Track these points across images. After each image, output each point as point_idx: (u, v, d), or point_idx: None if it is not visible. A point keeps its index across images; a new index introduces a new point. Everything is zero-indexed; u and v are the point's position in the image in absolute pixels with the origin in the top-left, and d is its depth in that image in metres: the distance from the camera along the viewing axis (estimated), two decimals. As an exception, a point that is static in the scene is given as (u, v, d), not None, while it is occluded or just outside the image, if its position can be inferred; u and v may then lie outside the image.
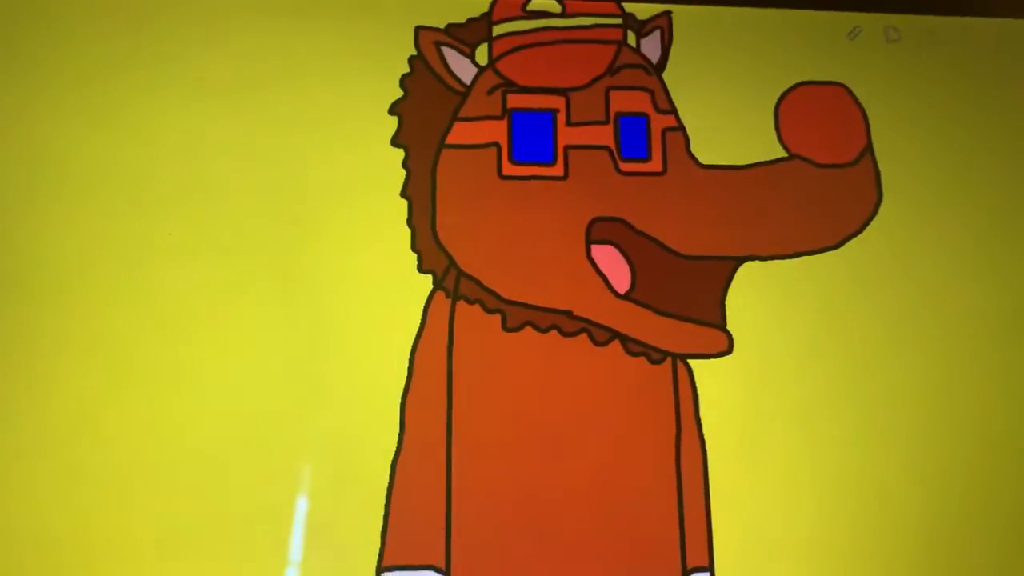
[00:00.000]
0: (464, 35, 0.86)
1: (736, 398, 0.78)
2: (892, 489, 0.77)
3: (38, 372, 0.74)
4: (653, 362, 0.79)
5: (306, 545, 0.72)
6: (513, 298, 0.79)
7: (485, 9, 0.87)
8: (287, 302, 0.78)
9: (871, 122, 0.88)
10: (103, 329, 0.75)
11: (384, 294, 0.79)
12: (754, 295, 0.81)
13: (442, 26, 0.86)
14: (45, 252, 0.77)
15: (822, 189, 0.85)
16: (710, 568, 0.74)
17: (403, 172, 0.82)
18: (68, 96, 0.81)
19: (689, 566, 0.74)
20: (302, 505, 0.73)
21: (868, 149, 0.86)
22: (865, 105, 0.88)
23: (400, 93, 0.84)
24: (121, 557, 0.70)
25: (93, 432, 0.73)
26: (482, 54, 0.86)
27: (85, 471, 0.72)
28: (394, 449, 0.75)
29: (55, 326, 0.75)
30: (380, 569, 0.72)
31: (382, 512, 0.73)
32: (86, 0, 0.84)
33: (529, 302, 0.79)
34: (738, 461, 0.77)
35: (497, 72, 0.85)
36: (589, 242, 0.81)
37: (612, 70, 0.86)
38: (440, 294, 0.79)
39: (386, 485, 0.74)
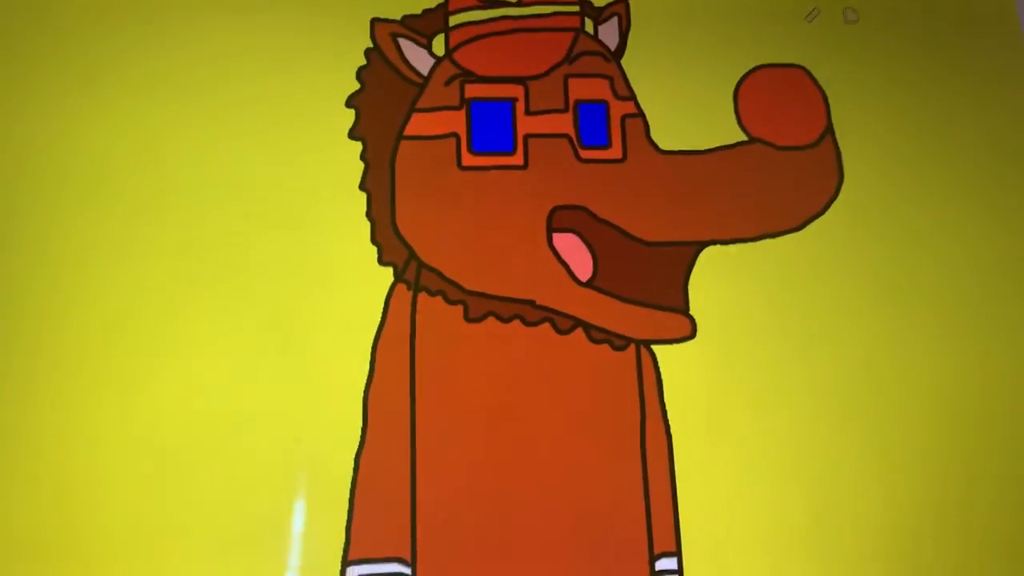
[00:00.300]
0: (420, 26, 0.86)
1: (700, 382, 0.78)
2: (855, 468, 0.77)
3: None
4: (616, 349, 0.79)
5: (271, 540, 0.72)
6: (475, 288, 0.79)
7: (441, 0, 0.86)
8: (247, 298, 0.77)
9: (831, 103, 0.88)
10: (59, 331, 0.75)
11: (345, 287, 0.78)
12: (717, 279, 0.81)
13: (398, 18, 0.86)
14: (6, 255, 0.77)
15: (783, 171, 0.85)
16: (677, 552, 0.74)
17: (361, 164, 0.81)
18: (21, 94, 0.81)
19: (656, 551, 0.74)
20: (268, 501, 0.72)
21: (828, 130, 0.87)
22: (825, 87, 0.88)
23: (357, 86, 0.83)
24: (82, 556, 0.70)
25: (45, 433, 0.73)
26: (439, 45, 0.85)
27: (50, 478, 0.72)
28: (358, 442, 0.74)
29: (14, 329, 0.75)
30: (346, 563, 0.71)
31: (347, 506, 0.73)
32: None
33: (491, 292, 0.79)
34: (703, 445, 0.77)
35: (454, 62, 0.85)
36: (550, 230, 0.81)
37: (570, 58, 0.86)
38: (401, 286, 0.79)
39: (350, 478, 0.74)
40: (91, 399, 0.74)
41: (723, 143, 0.85)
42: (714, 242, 0.82)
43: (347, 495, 0.73)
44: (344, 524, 0.72)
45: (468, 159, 0.82)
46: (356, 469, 0.74)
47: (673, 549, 0.74)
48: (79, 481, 0.72)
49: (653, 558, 0.74)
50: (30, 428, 0.73)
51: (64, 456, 0.72)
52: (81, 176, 0.79)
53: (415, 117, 0.83)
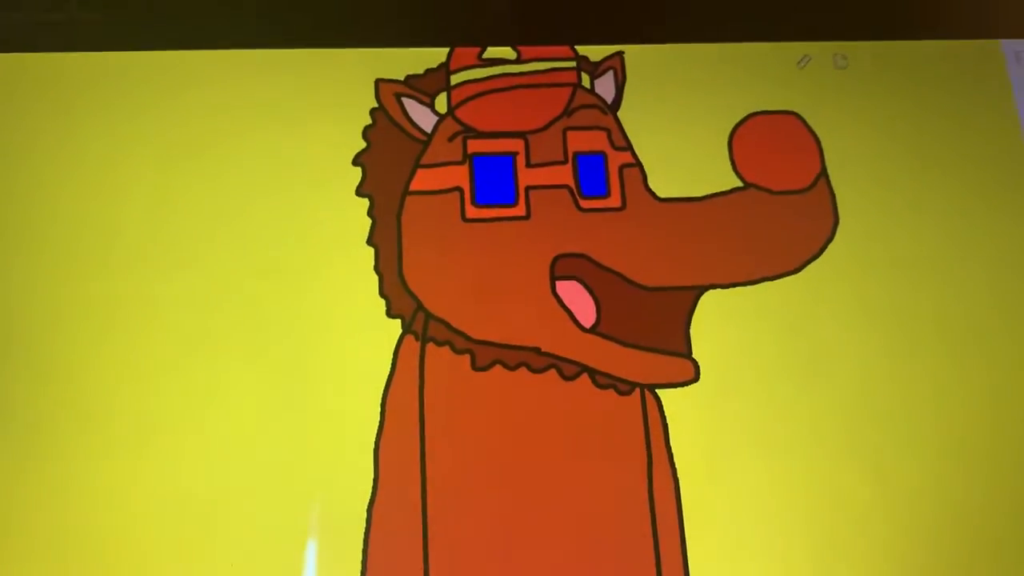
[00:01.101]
0: (423, 85, 0.89)
1: (705, 425, 0.80)
2: (862, 507, 0.78)
3: (12, 439, 0.75)
4: (621, 394, 0.80)
5: (285, 594, 0.73)
6: (481, 338, 0.81)
7: (443, 60, 0.90)
8: (258, 354, 0.79)
9: (824, 147, 0.90)
10: (74, 391, 0.77)
11: (354, 341, 0.80)
12: (718, 322, 0.83)
13: (401, 78, 0.89)
14: (14, 314, 0.79)
15: (779, 215, 0.87)
16: (688, 596, 0.75)
17: (369, 220, 0.84)
18: (30, 156, 0.84)
19: (667, 596, 0.75)
20: (279, 553, 0.74)
21: (823, 174, 0.89)
22: (817, 131, 0.91)
23: (363, 144, 0.86)
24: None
25: (65, 495, 0.74)
26: (441, 103, 0.88)
27: (63, 537, 0.73)
28: (369, 494, 0.76)
29: (28, 385, 0.77)
30: (359, 615, 0.72)
31: (360, 560, 0.74)
32: (44, 60, 0.87)
33: (497, 341, 0.81)
34: (710, 487, 0.78)
35: (456, 119, 0.88)
36: (554, 279, 0.83)
37: (568, 111, 0.88)
38: (409, 338, 0.81)
39: (363, 530, 0.75)
40: (99, 454, 0.75)
41: (719, 190, 0.87)
42: (713, 286, 0.84)
43: (360, 547, 0.74)
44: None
45: (472, 212, 0.85)
46: (369, 521, 0.75)
47: (684, 593, 0.75)
48: (87, 536, 0.73)
49: (664, 602, 0.75)
50: (40, 486, 0.74)
51: (72, 511, 0.74)
52: (90, 237, 0.82)
53: (420, 173, 0.86)
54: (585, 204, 0.86)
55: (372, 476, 0.76)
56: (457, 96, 0.89)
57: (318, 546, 0.74)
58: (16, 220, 0.82)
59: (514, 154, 0.87)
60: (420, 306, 0.81)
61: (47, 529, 0.73)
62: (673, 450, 0.79)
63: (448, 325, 0.81)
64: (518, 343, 0.81)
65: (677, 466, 0.78)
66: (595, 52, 0.91)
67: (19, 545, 0.72)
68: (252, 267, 0.82)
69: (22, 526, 0.73)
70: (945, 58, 0.95)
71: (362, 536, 0.74)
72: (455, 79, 0.89)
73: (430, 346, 0.81)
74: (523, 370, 0.80)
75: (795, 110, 0.91)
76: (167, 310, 0.80)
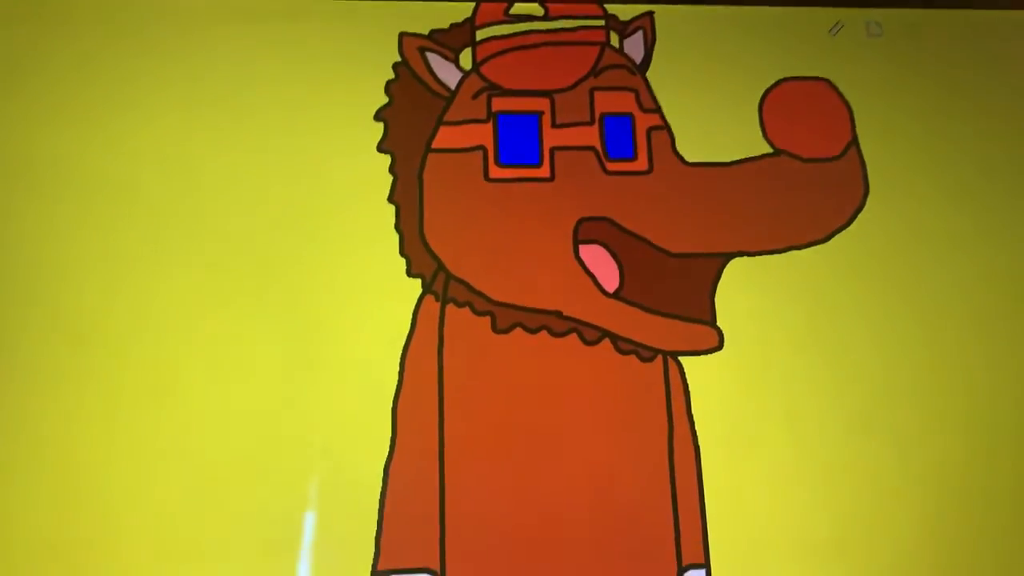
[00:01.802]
0: (448, 40, 0.87)
1: (727, 394, 0.78)
2: (884, 479, 0.77)
3: (27, 385, 0.74)
4: (644, 360, 0.79)
5: (299, 551, 0.72)
6: (503, 300, 0.79)
7: (468, 14, 0.87)
8: (277, 309, 0.78)
9: (856, 116, 0.88)
10: (92, 340, 0.75)
11: (374, 299, 0.79)
12: (743, 291, 0.81)
13: (426, 32, 0.87)
14: (37, 262, 0.77)
15: (809, 183, 0.85)
16: (706, 564, 0.74)
17: (390, 177, 0.82)
18: (54, 106, 0.82)
19: (684, 562, 0.74)
20: (296, 510, 0.73)
21: (853, 143, 0.87)
22: (849, 99, 0.89)
23: (385, 99, 0.84)
24: (106, 564, 0.70)
25: (82, 445, 0.73)
26: (466, 59, 0.86)
27: (76, 484, 0.72)
28: (386, 453, 0.75)
29: (45, 338, 0.75)
30: (375, 573, 0.72)
31: (376, 517, 0.73)
32: (72, 11, 0.85)
33: (519, 303, 0.80)
34: (731, 456, 0.77)
35: (481, 76, 0.86)
36: (577, 242, 0.82)
37: (596, 71, 0.86)
38: (430, 297, 0.79)
39: (379, 489, 0.74)
40: (119, 409, 0.74)
41: (748, 155, 0.86)
42: (740, 254, 0.82)
43: (376, 506, 0.73)
44: (373, 535, 0.73)
45: (495, 171, 0.83)
46: (385, 480, 0.74)
47: (702, 561, 0.74)
48: (103, 490, 0.72)
49: (681, 570, 0.74)
50: (56, 438, 0.73)
51: (88, 465, 0.73)
52: (110, 188, 0.80)
53: (443, 130, 0.84)
54: (611, 167, 0.84)
55: (390, 435, 0.75)
56: (482, 52, 0.86)
57: (335, 504, 0.73)
58: (38, 170, 0.80)
59: (539, 113, 0.85)
60: (441, 266, 0.80)
61: (61, 485, 0.72)
62: (695, 418, 0.78)
63: (469, 286, 0.80)
64: (540, 306, 0.80)
65: (698, 434, 0.77)
66: (624, 11, 0.89)
67: (33, 490, 0.72)
68: (270, 221, 0.80)
69: (33, 478, 0.72)
70: (980, 28, 0.92)
71: (378, 495, 0.74)
72: (480, 35, 0.87)
73: (450, 307, 0.79)
74: (544, 333, 0.79)
75: (827, 76, 0.89)
76: (184, 264, 0.78)
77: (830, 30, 0.91)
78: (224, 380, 0.76)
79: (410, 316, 0.79)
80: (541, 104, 0.85)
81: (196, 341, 0.76)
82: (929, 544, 0.76)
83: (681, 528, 0.75)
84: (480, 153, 0.83)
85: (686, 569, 0.74)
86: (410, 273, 0.80)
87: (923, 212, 0.86)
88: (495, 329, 0.79)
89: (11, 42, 0.83)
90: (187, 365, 0.75)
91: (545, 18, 0.88)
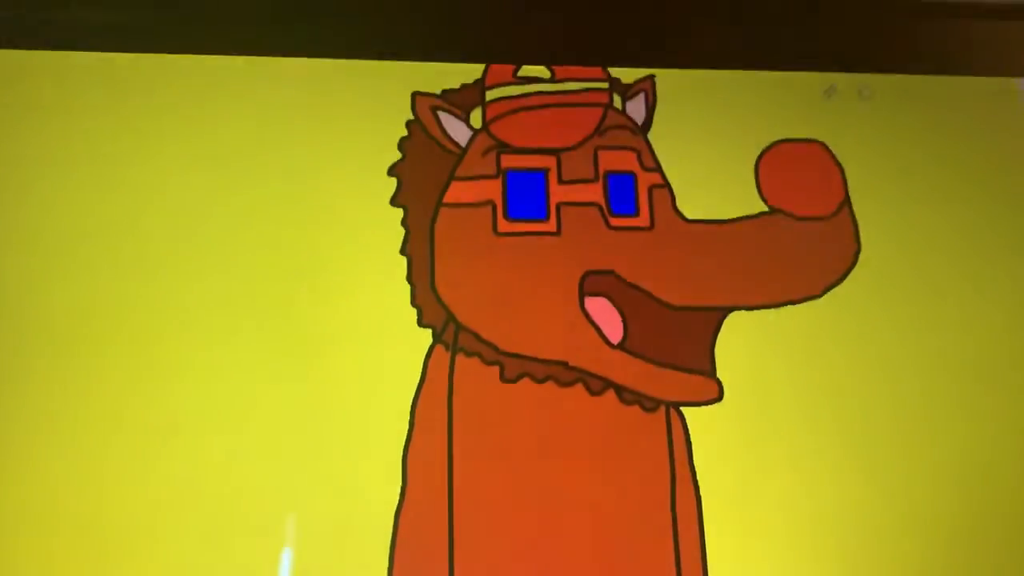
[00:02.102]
0: (459, 100, 0.90)
1: (728, 445, 0.81)
2: (886, 531, 0.79)
3: (34, 427, 0.76)
4: (647, 410, 0.81)
5: (311, 598, 0.73)
6: (511, 350, 0.82)
7: (478, 76, 0.91)
8: (289, 358, 0.80)
9: (848, 175, 0.92)
10: (101, 389, 0.77)
11: (385, 349, 0.81)
12: (742, 343, 0.84)
13: (438, 92, 0.91)
14: (44, 312, 0.79)
15: (803, 241, 0.89)
16: (708, 613, 0.76)
17: (402, 230, 0.85)
18: (63, 158, 0.84)
19: (688, 612, 0.76)
20: (306, 559, 0.74)
21: (846, 202, 0.91)
22: (841, 160, 0.93)
23: (399, 155, 0.88)
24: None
25: (88, 486, 0.74)
26: (476, 118, 0.90)
27: (79, 523, 0.73)
28: (396, 502, 0.76)
29: (52, 388, 0.77)
30: (385, 621, 0.73)
31: (386, 566, 0.75)
32: (82, 62, 0.88)
33: (526, 353, 0.82)
34: (732, 507, 0.79)
35: (491, 134, 0.89)
36: (582, 294, 0.85)
37: (600, 131, 0.90)
38: (440, 347, 0.82)
39: (389, 538, 0.75)
40: (136, 452, 0.76)
41: (745, 213, 0.89)
42: (738, 307, 0.86)
43: (387, 555, 0.75)
44: (383, 581, 0.74)
45: (504, 225, 0.86)
46: (395, 527, 0.76)
47: (704, 610, 0.76)
48: (100, 531, 0.73)
49: (685, 618, 0.76)
50: (82, 480, 0.75)
51: (98, 505, 0.74)
52: (122, 241, 0.82)
53: (454, 185, 0.87)
54: (615, 222, 0.87)
55: (400, 483, 0.77)
56: (492, 112, 0.90)
57: (345, 552, 0.75)
58: (48, 222, 0.82)
59: (546, 170, 0.88)
60: (451, 317, 0.83)
61: (66, 518, 0.73)
62: (696, 468, 0.80)
63: (478, 336, 0.82)
64: (546, 357, 0.82)
65: (700, 484, 0.79)
66: (627, 74, 0.93)
67: (29, 525, 0.73)
68: (284, 274, 0.83)
69: (39, 511, 0.73)
70: (967, 93, 0.97)
71: (388, 542, 0.75)
72: (490, 95, 0.91)
73: (460, 356, 0.82)
74: (551, 383, 0.82)
75: (820, 138, 0.93)
76: (195, 316, 0.80)
77: (824, 92, 0.95)
78: (232, 430, 0.77)
79: (421, 365, 0.81)
80: (548, 162, 0.89)
81: (204, 392, 0.78)
82: (924, 593, 0.78)
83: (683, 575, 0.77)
84: (489, 208, 0.87)
85: (689, 617, 0.76)
86: (421, 323, 0.82)
87: (914, 268, 0.89)
88: (503, 379, 0.81)
89: (9, 93, 0.86)
90: (194, 415, 0.77)
91: (552, 80, 0.92)
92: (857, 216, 0.90)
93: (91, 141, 0.85)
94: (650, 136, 0.91)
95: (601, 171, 0.89)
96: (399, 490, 0.77)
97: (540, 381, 0.82)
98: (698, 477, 0.80)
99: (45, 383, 0.77)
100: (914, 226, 0.91)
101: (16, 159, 0.84)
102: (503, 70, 0.92)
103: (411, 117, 0.89)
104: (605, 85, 0.92)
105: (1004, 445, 0.83)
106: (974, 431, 0.83)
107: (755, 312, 0.86)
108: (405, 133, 0.89)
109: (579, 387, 0.82)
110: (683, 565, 0.77)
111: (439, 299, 0.83)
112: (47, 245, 0.81)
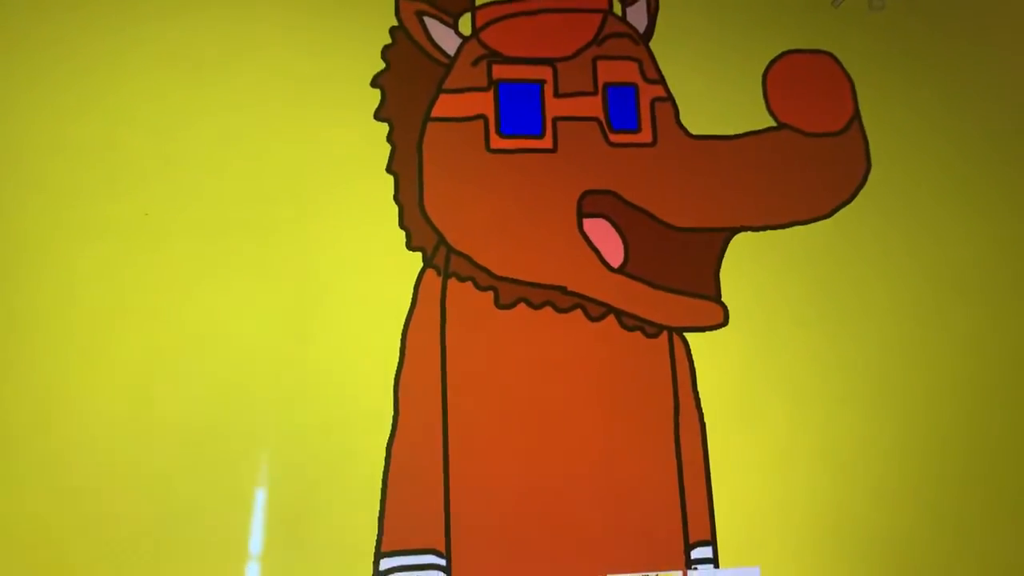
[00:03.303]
0: (446, 4, 0.83)
1: (733, 369, 0.78)
2: (887, 453, 0.78)
3: (7, 355, 0.70)
4: (649, 336, 0.78)
5: (303, 531, 0.70)
6: (506, 274, 0.77)
7: (467, -23, 0.84)
8: (271, 283, 0.75)
9: (858, 90, 0.87)
10: (77, 311, 0.72)
11: (373, 273, 0.76)
12: (748, 266, 0.80)
13: (424, -5, 0.83)
14: (15, 231, 0.73)
15: (812, 158, 0.84)
16: (712, 541, 0.74)
17: (388, 147, 0.79)
18: (37, 72, 0.77)
19: (692, 540, 0.74)
20: (297, 490, 0.70)
21: (856, 117, 0.86)
22: (852, 73, 0.88)
23: (382, 64, 0.81)
24: (104, 552, 0.67)
25: (68, 417, 0.70)
26: (465, 24, 0.83)
27: (62, 454, 0.69)
28: (388, 432, 0.73)
29: (24, 307, 0.71)
30: (380, 555, 0.70)
31: (378, 498, 0.71)
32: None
33: (522, 278, 0.78)
34: (736, 431, 0.77)
35: (481, 42, 0.83)
36: (581, 216, 0.80)
37: (598, 39, 0.84)
38: (431, 272, 0.77)
39: (382, 469, 0.72)
40: (117, 378, 0.71)
41: (752, 128, 0.84)
42: (744, 228, 0.81)
43: (379, 486, 0.71)
44: (376, 515, 0.71)
45: (497, 142, 0.80)
46: (388, 459, 0.72)
47: (708, 537, 0.74)
48: (92, 467, 0.69)
49: (688, 547, 0.74)
50: (59, 408, 0.70)
51: (82, 439, 0.69)
52: (98, 154, 0.76)
53: (442, 98, 0.81)
54: (615, 138, 0.82)
55: (392, 413, 0.73)
56: (482, 18, 0.83)
57: (337, 481, 0.71)
58: (20, 139, 0.75)
59: (541, 82, 0.82)
60: (442, 240, 0.77)
61: (43, 446, 0.69)
62: (700, 394, 0.77)
63: (471, 260, 0.77)
64: (544, 281, 0.78)
65: (704, 410, 0.77)
66: (628, -22, 0.87)
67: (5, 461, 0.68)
68: (264, 193, 0.76)
69: (10, 441, 0.69)
70: (981, 4, 0.92)
71: (381, 473, 0.72)
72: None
73: (452, 281, 0.77)
74: (548, 309, 0.77)
75: (829, 50, 0.88)
76: (177, 234, 0.74)
77: (833, 2, 0.89)
78: (217, 356, 0.72)
79: (411, 291, 0.76)
80: (543, 73, 0.82)
81: (186, 316, 0.73)
82: (929, 519, 0.77)
83: (688, 505, 0.75)
84: (481, 122, 0.81)
85: (693, 546, 0.74)
86: (410, 246, 0.77)
87: (924, 188, 0.86)
88: (498, 304, 0.77)
89: None
90: (176, 340, 0.72)
91: (547, -17, 0.85)
92: (868, 133, 0.86)
93: (69, 60, 0.77)
94: (652, 45, 0.85)
95: (600, 83, 0.83)
96: (391, 420, 0.73)
97: (537, 307, 0.77)
98: (702, 403, 0.77)
99: (17, 301, 0.71)
100: (926, 145, 0.87)
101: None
102: (494, -28, 0.85)
103: (395, 23, 0.82)
104: (604, -11, 0.86)
105: (1015, 369, 0.81)
106: (979, 353, 0.81)
107: (761, 233, 0.82)
108: (389, 40, 0.82)
109: (578, 312, 0.78)
110: (687, 492, 0.75)
111: (429, 221, 0.78)
112: (27, 163, 0.74)
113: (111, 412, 0.70)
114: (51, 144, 0.75)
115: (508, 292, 0.77)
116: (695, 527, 0.74)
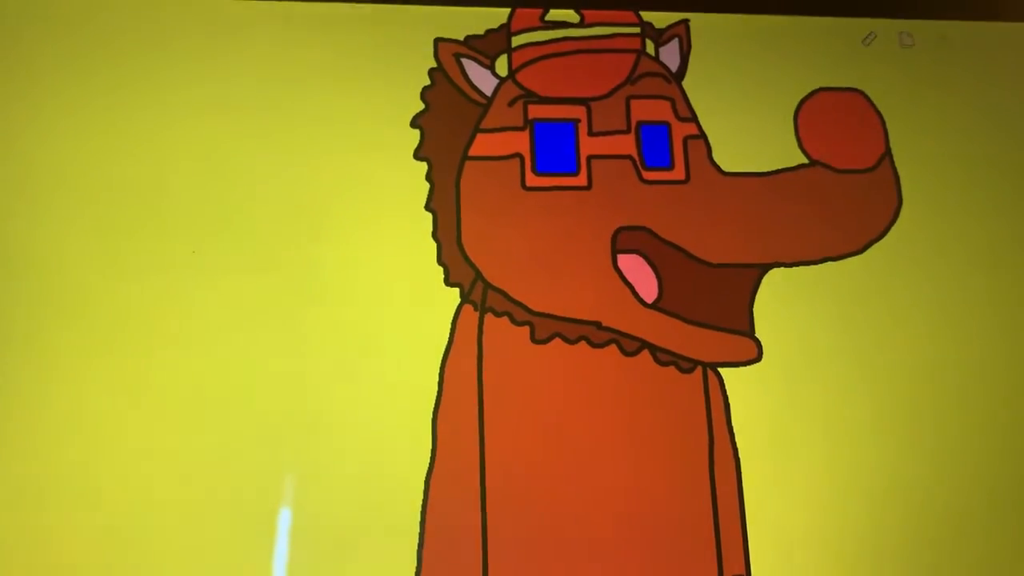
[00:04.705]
0: (483, 46, 0.86)
1: (767, 405, 0.79)
2: (922, 486, 0.78)
3: (51, 385, 0.73)
4: (683, 371, 0.79)
5: (342, 566, 0.71)
6: (541, 310, 0.79)
7: (504, 20, 0.87)
8: (312, 319, 0.77)
9: (889, 127, 0.88)
10: (119, 344, 0.74)
11: (411, 309, 0.78)
12: (781, 301, 0.81)
13: (461, 38, 0.86)
14: (64, 270, 0.76)
15: (844, 195, 0.85)
16: (747, 574, 0.74)
17: (427, 185, 0.81)
18: (82, 110, 0.80)
19: (726, 573, 0.74)
20: (337, 523, 0.72)
21: (887, 154, 0.87)
22: (882, 110, 0.89)
23: (421, 106, 0.83)
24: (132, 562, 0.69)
25: (115, 455, 0.72)
26: (502, 65, 0.85)
27: (104, 491, 0.71)
28: (427, 465, 0.74)
29: (73, 345, 0.74)
30: (418, 587, 0.71)
31: (417, 530, 0.72)
32: (100, 12, 0.83)
33: (557, 313, 0.79)
34: (771, 467, 0.77)
35: (517, 83, 0.85)
36: (615, 252, 0.81)
37: (632, 79, 0.86)
38: (468, 307, 0.79)
39: (420, 502, 0.73)
40: (154, 418, 0.73)
41: (784, 165, 0.86)
42: (777, 264, 0.82)
43: (418, 519, 0.72)
44: (415, 548, 0.72)
45: (532, 180, 0.82)
46: (427, 491, 0.73)
47: (743, 571, 0.74)
48: (131, 495, 0.71)
49: (724, 582, 0.74)
50: (98, 437, 0.72)
51: (123, 471, 0.71)
52: (142, 194, 0.79)
53: (479, 137, 0.83)
54: (648, 176, 0.83)
55: (430, 447, 0.74)
56: (518, 59, 0.86)
57: (376, 516, 0.72)
58: (67, 175, 0.78)
59: (576, 121, 0.84)
60: (479, 275, 0.79)
61: (75, 470, 0.71)
62: (735, 430, 0.78)
63: (507, 296, 0.79)
64: (579, 316, 0.79)
65: (739, 446, 0.77)
66: (660, 19, 0.89)
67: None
68: (305, 230, 0.79)
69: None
70: (1011, 40, 0.93)
71: (419, 507, 0.73)
72: (516, 41, 0.86)
73: (489, 316, 0.79)
74: (583, 344, 0.79)
75: (860, 87, 0.89)
76: (220, 271, 0.77)
77: (863, 40, 0.91)
78: (257, 393, 0.74)
79: (448, 326, 0.78)
80: (577, 112, 0.84)
81: (227, 353, 0.75)
82: (966, 551, 0.76)
83: (722, 539, 0.75)
84: (517, 161, 0.83)
85: (728, 581, 0.74)
86: (448, 282, 0.79)
87: (956, 222, 0.86)
88: (534, 339, 0.78)
89: (24, 42, 0.81)
90: (216, 377, 0.74)
91: (581, 25, 0.87)
92: (899, 169, 0.87)
93: (110, 89, 0.81)
94: (685, 84, 0.87)
95: (633, 121, 0.84)
96: (429, 454, 0.74)
97: (572, 342, 0.79)
98: (736, 439, 0.77)
99: (65, 339, 0.74)
100: (958, 178, 0.87)
101: (28, 101, 0.79)
102: (530, 14, 0.87)
103: (434, 65, 0.85)
104: (637, 30, 0.88)
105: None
106: (1017, 388, 0.81)
107: (794, 269, 0.82)
108: (428, 82, 0.84)
109: (613, 348, 0.79)
110: (721, 528, 0.75)
111: (466, 257, 0.80)
112: (75, 202, 0.77)
113: (158, 448, 0.72)
114: (99, 183, 0.78)
115: (544, 327, 0.79)
116: (730, 561, 0.75)
